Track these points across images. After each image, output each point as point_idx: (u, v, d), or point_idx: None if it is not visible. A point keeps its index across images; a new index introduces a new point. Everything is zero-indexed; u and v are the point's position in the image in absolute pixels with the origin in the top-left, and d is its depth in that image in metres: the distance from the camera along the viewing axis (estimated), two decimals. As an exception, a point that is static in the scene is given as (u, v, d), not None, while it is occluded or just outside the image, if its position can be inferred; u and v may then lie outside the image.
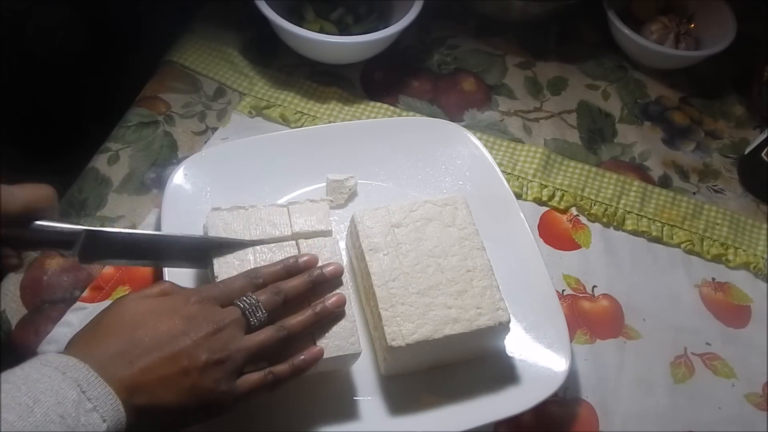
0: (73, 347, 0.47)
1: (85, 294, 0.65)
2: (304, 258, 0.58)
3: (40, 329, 0.63)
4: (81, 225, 0.54)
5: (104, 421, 0.42)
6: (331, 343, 0.57)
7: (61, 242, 0.53)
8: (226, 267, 0.59)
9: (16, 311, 0.64)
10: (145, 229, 0.70)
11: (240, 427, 0.56)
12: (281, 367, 0.52)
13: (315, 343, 0.55)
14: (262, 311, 0.52)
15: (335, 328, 0.57)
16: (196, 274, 0.64)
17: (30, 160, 0.72)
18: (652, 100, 0.92)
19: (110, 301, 0.64)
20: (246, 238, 0.61)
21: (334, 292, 0.57)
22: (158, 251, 0.58)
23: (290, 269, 0.57)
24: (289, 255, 0.60)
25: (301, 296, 0.55)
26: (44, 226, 0.51)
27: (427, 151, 0.76)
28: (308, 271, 0.57)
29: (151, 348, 0.47)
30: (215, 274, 0.59)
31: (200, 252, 0.59)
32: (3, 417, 0.39)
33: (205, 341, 0.49)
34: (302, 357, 0.54)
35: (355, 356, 0.58)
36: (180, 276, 0.62)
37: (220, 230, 0.61)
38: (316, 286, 0.57)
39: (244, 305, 0.52)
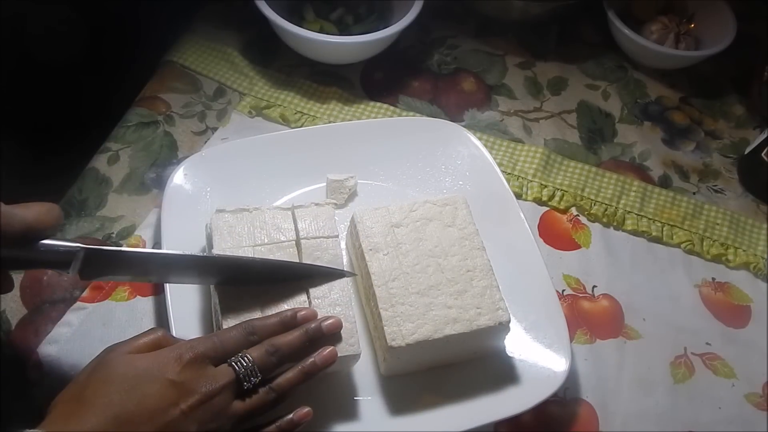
0: (56, 416, 0.45)
1: (85, 294, 0.65)
2: (302, 313, 0.55)
3: (40, 329, 0.63)
4: (78, 242, 0.52)
5: None
6: (331, 344, 0.57)
7: (58, 262, 0.51)
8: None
9: (16, 311, 0.64)
10: (145, 229, 0.70)
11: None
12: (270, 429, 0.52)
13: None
14: (256, 375, 0.50)
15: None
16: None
17: (30, 160, 0.73)
18: (652, 100, 0.92)
19: (110, 302, 0.65)
20: (250, 243, 0.61)
21: (325, 347, 0.55)
22: (160, 268, 0.56)
23: (287, 324, 0.54)
24: (289, 255, 0.60)
25: (295, 354, 0.53)
26: (42, 245, 0.50)
27: (427, 151, 0.76)
28: (305, 325, 0.54)
29: (140, 423, 0.45)
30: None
31: (203, 270, 0.57)
32: None
33: (196, 411, 0.47)
34: (290, 417, 0.52)
35: (356, 357, 0.58)
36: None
37: (224, 233, 0.61)
38: (312, 341, 0.54)
39: (239, 368, 0.50)
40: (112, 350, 0.49)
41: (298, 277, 0.59)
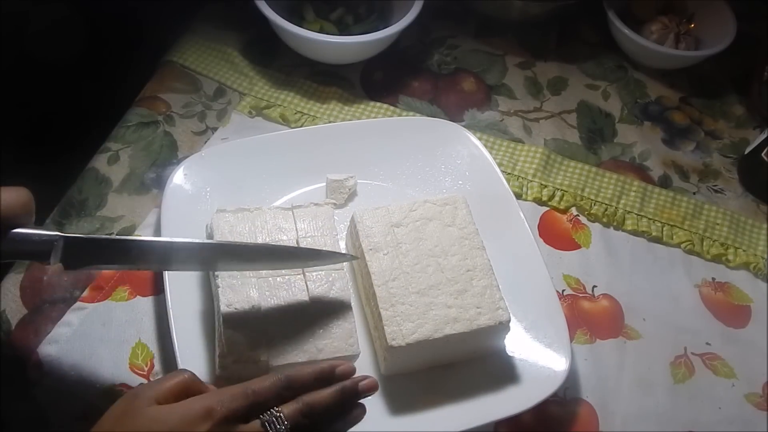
0: None
1: (85, 294, 0.65)
2: (341, 368, 0.51)
3: (40, 329, 0.63)
4: (57, 231, 0.50)
5: None
6: (330, 345, 0.57)
7: (36, 252, 0.48)
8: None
9: (16, 311, 0.64)
10: (145, 229, 0.70)
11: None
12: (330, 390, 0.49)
13: None
14: None
15: (334, 330, 0.58)
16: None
17: (30, 160, 0.72)
18: (652, 100, 0.92)
19: (110, 302, 0.65)
20: (251, 243, 0.61)
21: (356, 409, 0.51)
22: (145, 255, 0.53)
23: (324, 379, 0.50)
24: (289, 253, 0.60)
25: (327, 415, 0.49)
26: (16, 234, 0.47)
27: (427, 151, 0.76)
28: (342, 383, 0.50)
29: None
30: (216, 273, 0.59)
31: (195, 255, 0.55)
32: None
33: None
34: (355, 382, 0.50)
35: (354, 357, 0.58)
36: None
37: (225, 233, 0.61)
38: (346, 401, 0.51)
39: (272, 430, 0.46)
40: (137, 397, 0.46)
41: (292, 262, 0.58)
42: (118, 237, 0.52)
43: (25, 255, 0.50)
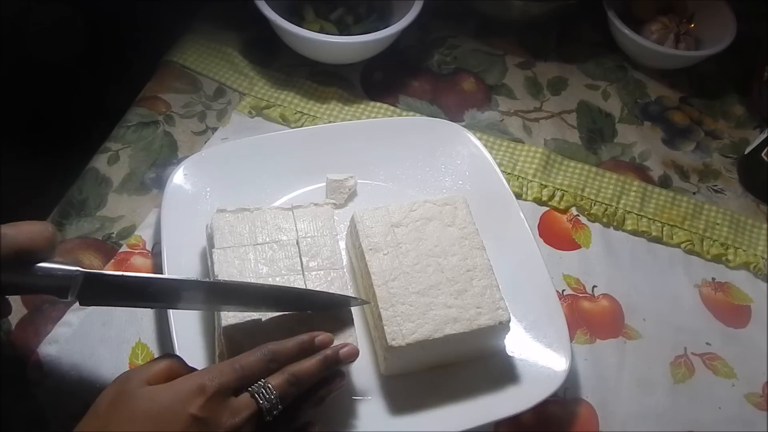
0: None
1: (85, 294, 0.65)
2: (320, 338, 0.54)
3: (40, 329, 0.63)
4: (77, 266, 0.50)
5: None
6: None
7: (56, 287, 0.49)
8: (226, 266, 0.59)
9: (16, 311, 0.63)
10: (145, 229, 0.70)
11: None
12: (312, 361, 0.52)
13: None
14: (278, 406, 0.49)
15: (333, 330, 0.57)
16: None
17: (30, 160, 0.72)
18: (652, 100, 0.92)
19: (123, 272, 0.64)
20: (251, 242, 0.61)
21: (336, 383, 0.55)
22: (164, 294, 0.53)
23: (305, 350, 0.53)
24: (290, 258, 0.61)
25: (313, 382, 0.53)
26: (39, 269, 0.47)
27: (427, 151, 0.76)
28: (322, 351, 0.53)
29: None
30: (215, 273, 0.59)
31: (208, 296, 0.55)
32: None
33: None
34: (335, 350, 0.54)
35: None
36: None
37: (225, 232, 0.61)
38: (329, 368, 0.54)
39: (262, 401, 0.48)
40: (129, 379, 0.47)
41: (301, 306, 0.57)
42: (137, 275, 0.52)
43: (44, 290, 0.50)
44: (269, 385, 0.49)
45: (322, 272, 0.61)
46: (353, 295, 0.60)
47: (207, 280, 0.58)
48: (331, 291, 0.59)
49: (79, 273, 0.49)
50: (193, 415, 0.45)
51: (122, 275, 0.52)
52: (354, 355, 0.55)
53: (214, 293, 0.55)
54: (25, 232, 0.47)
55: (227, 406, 0.47)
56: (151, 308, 0.64)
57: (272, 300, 0.56)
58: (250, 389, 0.49)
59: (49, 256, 0.49)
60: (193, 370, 0.50)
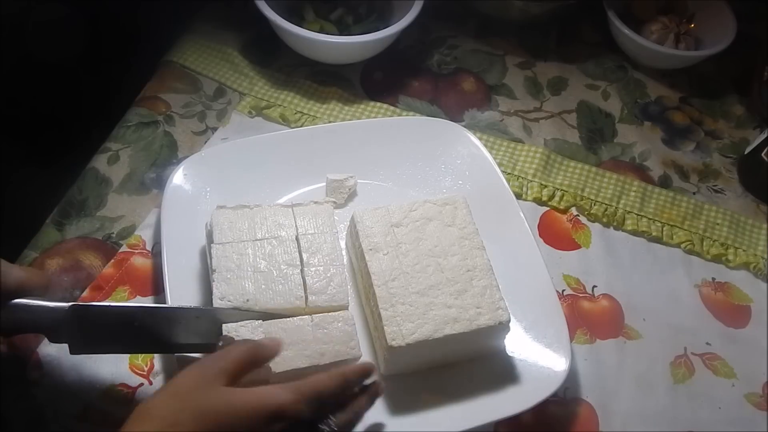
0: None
1: (85, 294, 0.65)
2: (364, 368, 0.53)
3: (40, 329, 0.63)
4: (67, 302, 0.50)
5: None
6: (331, 348, 0.57)
7: (41, 324, 0.49)
8: (225, 261, 0.59)
9: (16, 311, 0.63)
10: (145, 229, 0.70)
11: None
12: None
13: None
14: None
15: (335, 333, 0.58)
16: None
17: (30, 160, 0.72)
18: (652, 100, 0.92)
19: (111, 302, 0.64)
20: (251, 238, 0.61)
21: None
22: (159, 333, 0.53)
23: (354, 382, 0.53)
24: (289, 253, 0.61)
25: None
26: (16, 305, 0.48)
27: (427, 151, 0.76)
28: (369, 392, 0.53)
29: None
30: (213, 268, 0.59)
31: (209, 325, 0.55)
32: None
33: None
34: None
35: (355, 360, 0.58)
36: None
37: (224, 228, 0.62)
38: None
39: None
40: (209, 369, 0.47)
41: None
42: (129, 305, 0.53)
43: (28, 327, 0.50)
44: (335, 429, 0.49)
45: (321, 268, 0.61)
46: (348, 302, 0.60)
47: (210, 308, 0.57)
48: (330, 287, 0.60)
49: (66, 308, 0.49)
50: None
51: (114, 319, 0.51)
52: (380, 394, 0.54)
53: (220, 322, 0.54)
54: (25, 269, 0.48)
55: None
56: (151, 353, 0.62)
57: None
58: (320, 427, 0.48)
59: (41, 294, 0.49)
60: (270, 351, 0.51)
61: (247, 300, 0.58)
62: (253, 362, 0.49)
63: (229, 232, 0.61)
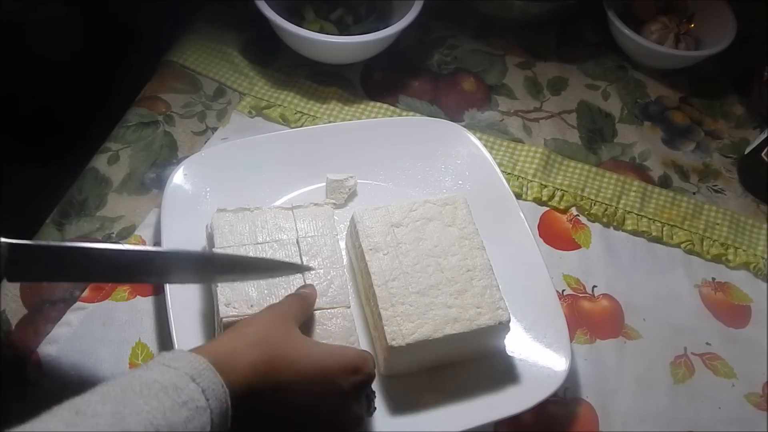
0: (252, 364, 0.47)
1: (85, 294, 0.65)
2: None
3: (40, 329, 0.63)
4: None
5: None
6: (331, 344, 0.57)
7: None
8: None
9: (16, 311, 0.64)
10: (145, 229, 0.70)
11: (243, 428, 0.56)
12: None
13: None
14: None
15: (335, 329, 0.58)
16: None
17: (30, 160, 0.72)
18: (652, 100, 0.92)
19: (110, 302, 0.65)
20: (252, 241, 0.62)
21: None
22: (98, 267, 0.50)
23: None
24: (290, 257, 0.61)
25: None
26: None
27: (427, 151, 0.76)
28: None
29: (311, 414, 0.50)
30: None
31: (142, 265, 0.52)
32: None
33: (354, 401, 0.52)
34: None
35: None
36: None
37: (225, 232, 0.62)
38: None
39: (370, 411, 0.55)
40: (285, 311, 0.53)
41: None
42: (67, 245, 0.50)
43: None
44: (373, 397, 0.55)
45: (321, 271, 0.61)
46: (349, 301, 0.61)
47: (143, 248, 0.57)
48: (331, 289, 0.60)
49: (2, 244, 0.46)
50: (343, 388, 0.50)
51: (52, 245, 0.49)
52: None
53: (147, 261, 0.52)
54: None
55: (361, 398, 0.53)
56: (92, 282, 0.63)
57: (220, 268, 0.57)
58: (368, 394, 0.54)
59: None
60: (314, 304, 0.58)
61: (252, 306, 0.58)
62: (308, 309, 0.56)
63: (230, 235, 0.61)
